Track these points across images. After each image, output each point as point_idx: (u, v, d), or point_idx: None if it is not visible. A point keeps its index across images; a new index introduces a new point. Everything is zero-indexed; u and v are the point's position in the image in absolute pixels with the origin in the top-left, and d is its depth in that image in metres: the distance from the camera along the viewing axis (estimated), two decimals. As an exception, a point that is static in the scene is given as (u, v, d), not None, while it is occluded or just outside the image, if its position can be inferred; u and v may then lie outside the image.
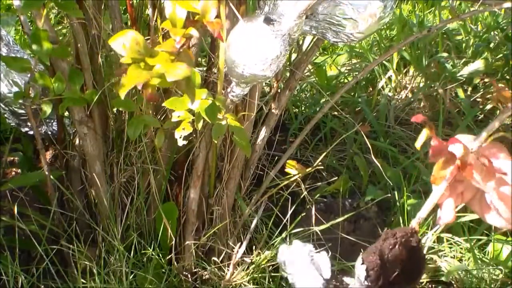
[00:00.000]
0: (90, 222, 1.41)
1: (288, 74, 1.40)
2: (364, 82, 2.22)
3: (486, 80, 2.28)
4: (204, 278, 1.42)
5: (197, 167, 1.31)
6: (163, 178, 1.38)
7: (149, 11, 1.21)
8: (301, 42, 1.55)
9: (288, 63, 1.65)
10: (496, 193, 0.74)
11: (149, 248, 1.34)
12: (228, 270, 1.38)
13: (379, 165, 1.48)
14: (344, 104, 2.11)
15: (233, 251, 1.37)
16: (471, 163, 0.72)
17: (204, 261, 1.41)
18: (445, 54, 2.26)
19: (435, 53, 2.29)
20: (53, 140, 1.50)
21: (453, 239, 1.55)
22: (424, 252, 1.51)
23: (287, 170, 1.37)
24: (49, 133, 1.54)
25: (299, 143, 1.44)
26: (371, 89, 2.26)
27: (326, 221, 1.47)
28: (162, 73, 0.76)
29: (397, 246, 0.76)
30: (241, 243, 1.39)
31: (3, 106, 1.48)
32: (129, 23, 1.25)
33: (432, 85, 2.18)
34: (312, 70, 2.23)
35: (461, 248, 1.55)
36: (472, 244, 1.51)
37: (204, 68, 1.35)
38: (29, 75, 1.21)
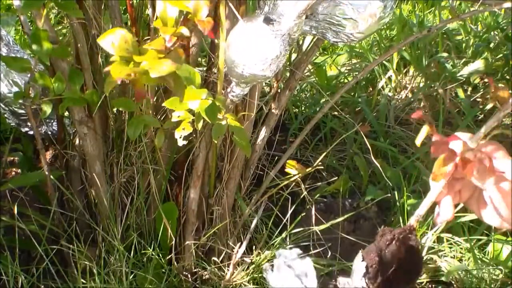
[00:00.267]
0: (90, 222, 1.41)
1: (288, 74, 1.40)
2: (364, 82, 2.22)
3: (486, 80, 2.28)
4: (204, 278, 1.42)
5: (197, 167, 1.31)
6: (163, 178, 1.38)
7: (149, 11, 1.21)
8: (301, 42, 1.55)
9: (288, 63, 1.65)
10: (496, 190, 0.74)
11: (149, 248, 1.34)
12: (228, 270, 1.38)
13: (379, 165, 1.49)
14: (344, 104, 2.11)
15: (233, 251, 1.37)
16: (471, 160, 0.72)
17: (204, 261, 1.41)
18: (445, 54, 2.26)
19: (435, 53, 2.29)
20: (53, 140, 1.50)
21: (453, 239, 1.55)
22: (424, 252, 1.51)
23: (287, 170, 1.37)
24: (49, 133, 1.54)
25: (299, 143, 1.44)
26: (371, 89, 2.26)
27: (326, 221, 1.48)
28: (147, 70, 0.77)
29: (394, 242, 0.76)
30: (241, 243, 1.39)
31: (3, 106, 1.48)
32: (129, 23, 1.25)
33: (432, 85, 2.18)
34: (312, 70, 2.23)
35: (461, 248, 1.55)
36: (472, 244, 1.51)
37: (204, 68, 1.35)
38: (29, 75, 1.21)
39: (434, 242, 1.54)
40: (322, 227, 1.46)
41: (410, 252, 0.78)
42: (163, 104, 1.09)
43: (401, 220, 1.56)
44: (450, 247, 1.55)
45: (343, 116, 1.96)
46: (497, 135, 0.74)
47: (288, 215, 1.43)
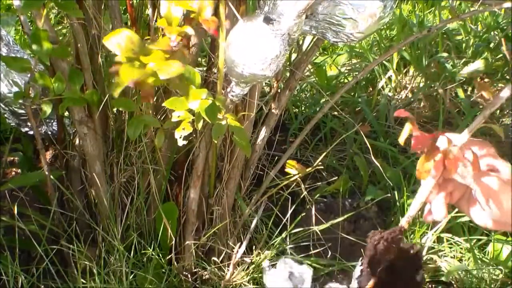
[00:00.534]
0: (90, 222, 1.41)
1: (288, 74, 1.40)
2: (364, 82, 2.22)
3: (486, 80, 2.28)
4: (204, 278, 1.42)
5: (197, 167, 1.31)
6: (163, 178, 1.38)
7: (149, 11, 1.21)
8: (301, 42, 1.55)
9: (288, 63, 1.65)
10: (483, 187, 0.74)
11: (149, 248, 1.34)
12: (228, 270, 1.38)
13: (379, 165, 1.48)
14: (344, 104, 2.11)
15: (233, 251, 1.37)
16: (454, 155, 0.72)
17: (204, 261, 1.41)
18: (445, 54, 2.26)
19: (435, 53, 2.29)
20: (53, 140, 1.51)
21: (453, 239, 1.55)
22: (424, 252, 1.51)
23: (287, 170, 1.37)
24: (49, 133, 1.54)
25: (299, 143, 1.44)
26: (371, 89, 2.26)
27: (326, 221, 1.48)
28: (155, 71, 0.77)
29: (381, 242, 0.77)
30: (241, 243, 1.39)
31: (3, 106, 1.48)
32: (129, 23, 1.25)
33: (432, 85, 2.18)
34: (312, 70, 2.23)
35: (461, 248, 1.55)
36: (472, 244, 1.51)
37: (204, 68, 1.35)
38: (29, 75, 1.21)
39: (434, 242, 1.54)
40: (322, 227, 1.46)
41: (401, 252, 0.78)
42: (163, 104, 1.09)
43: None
44: (450, 247, 1.55)
45: (343, 116, 1.97)
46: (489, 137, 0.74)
47: (288, 215, 1.43)
